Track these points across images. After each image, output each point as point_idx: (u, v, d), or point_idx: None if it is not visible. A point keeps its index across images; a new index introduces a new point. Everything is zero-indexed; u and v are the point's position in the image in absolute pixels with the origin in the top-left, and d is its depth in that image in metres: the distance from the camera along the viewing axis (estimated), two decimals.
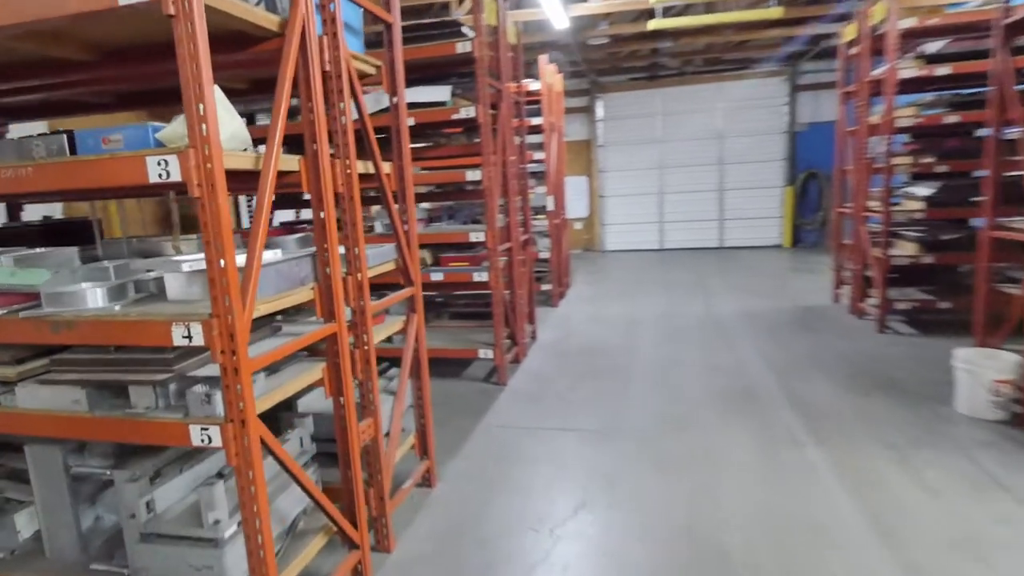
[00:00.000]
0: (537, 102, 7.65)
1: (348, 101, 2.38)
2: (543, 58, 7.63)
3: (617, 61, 11.81)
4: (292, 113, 2.23)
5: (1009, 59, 3.76)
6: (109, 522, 2.46)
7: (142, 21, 1.86)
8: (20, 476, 2.52)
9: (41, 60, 2.44)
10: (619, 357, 5.44)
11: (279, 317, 2.69)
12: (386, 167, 2.88)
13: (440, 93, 4.52)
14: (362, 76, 2.85)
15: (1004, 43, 3.76)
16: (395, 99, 2.97)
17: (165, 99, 3.05)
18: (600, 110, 13.43)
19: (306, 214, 6.48)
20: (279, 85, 1.96)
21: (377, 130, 3.08)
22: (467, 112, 4.40)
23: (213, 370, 1.91)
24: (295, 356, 2.37)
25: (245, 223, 6.35)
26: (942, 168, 5.64)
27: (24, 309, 2.07)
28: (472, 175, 4.60)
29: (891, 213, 5.70)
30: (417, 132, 5.38)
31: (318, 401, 3.03)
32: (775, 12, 8.06)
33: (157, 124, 1.76)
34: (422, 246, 5.08)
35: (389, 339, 3.11)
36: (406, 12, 8.02)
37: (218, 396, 1.78)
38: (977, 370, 3.66)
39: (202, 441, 1.79)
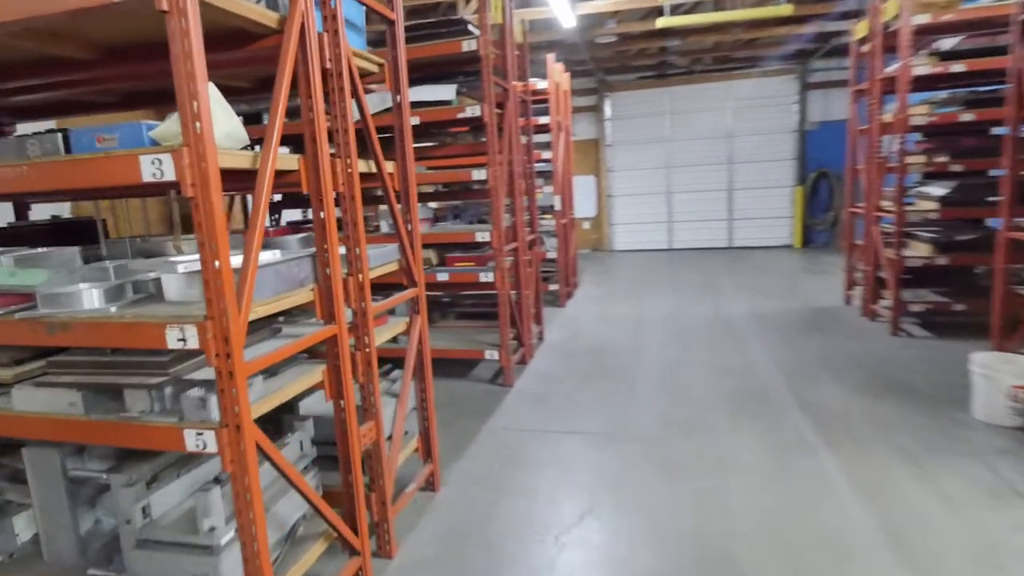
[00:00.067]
0: (544, 101, 7.59)
1: (349, 99, 2.34)
2: (550, 57, 7.57)
3: (625, 60, 11.73)
4: (298, 112, 2.20)
5: None
6: (109, 525, 2.43)
7: (138, 18, 1.83)
8: (21, 477, 2.49)
9: (44, 59, 2.42)
10: (627, 358, 5.38)
11: (281, 318, 2.66)
12: (389, 166, 2.84)
13: (445, 92, 4.47)
14: (365, 74, 2.81)
15: (1022, 38, 3.66)
16: (398, 98, 2.92)
17: (171, 98, 3.01)
18: (608, 109, 13.35)
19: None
20: (277, 82, 1.92)
21: (382, 129, 3.05)
22: (472, 111, 4.36)
23: (210, 373, 1.87)
24: (295, 358, 2.33)
25: None
26: (957, 167, 5.52)
27: (21, 310, 2.04)
28: (478, 174, 4.56)
29: (904, 213, 5.59)
30: (423, 131, 5.34)
31: (321, 403, 2.98)
32: (785, 9, 7.97)
33: (151, 122, 1.72)
34: (428, 246, 5.04)
35: (395, 339, 3.07)
36: (413, 12, 8.05)
37: (213, 400, 1.75)
38: (995, 375, 3.57)
39: (197, 446, 1.75)
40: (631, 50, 10.98)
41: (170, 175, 1.61)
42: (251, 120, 4.33)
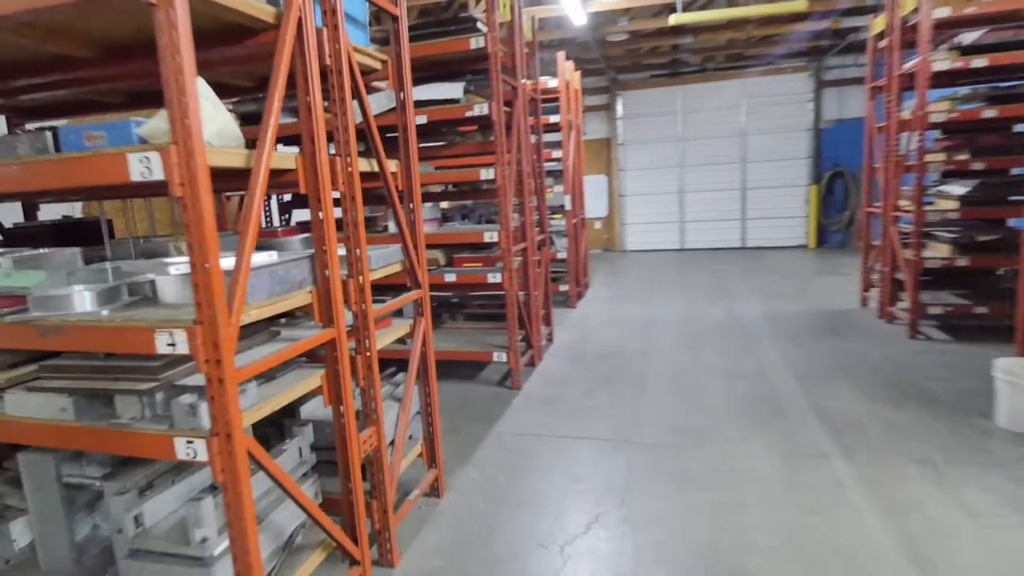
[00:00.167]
0: (555, 100, 7.51)
1: (349, 96, 2.27)
2: (561, 55, 7.48)
3: (637, 58, 11.61)
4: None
5: None
6: (106, 532, 2.38)
7: (132, 13, 1.78)
8: (21, 482, 2.46)
9: (46, 57, 2.39)
10: (637, 361, 5.29)
11: (283, 320, 2.60)
12: (392, 165, 2.77)
13: (452, 90, 4.41)
14: (368, 71, 2.75)
15: None
16: (401, 95, 2.85)
17: None
18: (620, 108, 13.23)
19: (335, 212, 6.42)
20: (273, 79, 1.86)
21: (390, 128, 2.99)
22: (480, 109, 4.28)
23: (202, 379, 1.81)
24: (294, 362, 2.27)
25: (271, 222, 6.30)
26: (978, 165, 5.35)
27: (14, 312, 2.00)
28: (486, 174, 4.48)
29: (923, 213, 5.45)
30: (431, 130, 5.28)
31: (322, 408, 2.93)
32: (799, 5, 7.83)
33: (139, 119, 1.66)
34: (436, 246, 4.98)
35: (403, 340, 3.00)
36: (425, 11, 7.98)
37: (204, 407, 1.69)
38: (1020, 381, 3.43)
39: (188, 455, 1.69)
40: (643, 48, 10.87)
41: (159, 174, 1.55)
42: (259, 120, 4.29)
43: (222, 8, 1.84)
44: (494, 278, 4.63)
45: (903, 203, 5.84)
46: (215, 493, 1.92)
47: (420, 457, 3.13)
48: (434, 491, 3.13)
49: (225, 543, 1.90)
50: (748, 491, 3.02)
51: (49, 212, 4.44)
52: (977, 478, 3.00)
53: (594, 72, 12.44)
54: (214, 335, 1.58)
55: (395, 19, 2.77)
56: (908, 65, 5.50)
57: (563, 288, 7.93)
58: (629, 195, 13.51)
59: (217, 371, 1.60)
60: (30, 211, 4.19)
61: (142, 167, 1.56)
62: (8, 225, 3.66)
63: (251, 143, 1.89)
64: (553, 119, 7.52)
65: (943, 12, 4.92)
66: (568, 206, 7.73)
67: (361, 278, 2.35)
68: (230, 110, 4.75)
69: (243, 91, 3.20)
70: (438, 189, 6.34)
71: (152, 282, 2.06)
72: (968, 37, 5.11)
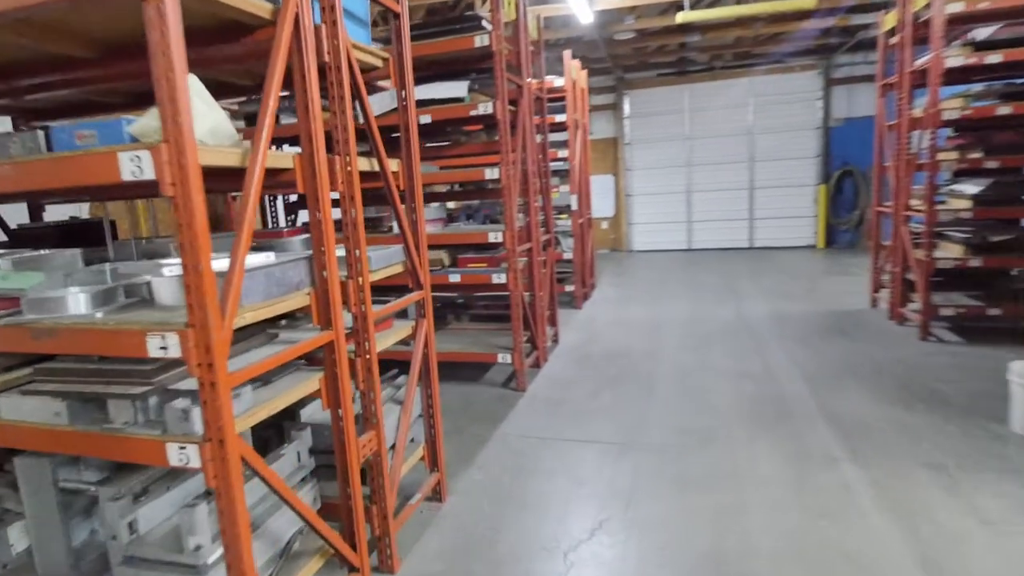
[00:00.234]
0: (561, 99, 7.45)
1: (348, 94, 2.23)
2: (567, 53, 7.43)
3: (644, 56, 11.54)
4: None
5: None
6: (104, 536, 2.35)
7: (126, 9, 1.74)
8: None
9: (48, 57, 2.36)
10: (644, 362, 5.23)
11: (283, 322, 2.56)
12: (393, 164, 2.73)
13: (456, 89, 4.36)
14: (369, 69, 2.71)
15: None
16: (403, 93, 2.81)
17: None
18: (627, 107, 13.15)
19: (336, 213, 6.40)
20: (268, 76, 1.82)
21: (393, 128, 2.95)
22: (485, 108, 4.23)
23: (196, 383, 1.77)
24: (291, 365, 2.23)
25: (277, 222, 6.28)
26: (992, 164, 5.25)
27: (9, 315, 1.97)
28: (491, 173, 4.44)
29: (935, 212, 5.35)
30: (436, 129, 5.24)
31: (322, 410, 2.89)
32: (807, 2, 7.74)
33: (131, 117, 1.63)
34: (440, 247, 4.94)
35: (405, 342, 2.95)
36: (431, 9, 7.94)
37: (196, 412, 1.65)
38: None
39: (180, 461, 1.65)
40: (650, 46, 10.79)
41: (150, 173, 1.51)
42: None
43: (217, 4, 1.80)
44: (499, 279, 4.59)
45: (914, 202, 5.74)
46: (210, 499, 1.89)
47: (422, 460, 3.09)
48: (436, 495, 3.09)
49: (220, 551, 1.86)
50: (754, 495, 2.96)
51: (58, 213, 4.42)
52: (991, 484, 2.92)
53: (601, 71, 12.37)
54: (206, 338, 1.55)
55: (397, 16, 2.73)
56: (920, 61, 5.41)
57: (569, 289, 7.88)
58: (636, 195, 13.43)
59: (209, 375, 1.56)
60: (35, 212, 4.18)
61: (133, 166, 1.52)
62: (13, 226, 3.64)
63: None
64: (559, 118, 7.46)
65: (956, 7, 4.83)
66: (574, 206, 7.68)
67: (361, 279, 2.31)
68: (236, 110, 4.73)
69: (248, 91, 3.17)
70: (443, 189, 6.30)
71: (149, 284, 2.03)
72: (982, 32, 5.02)
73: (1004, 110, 5.03)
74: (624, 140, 13.26)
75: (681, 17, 8.13)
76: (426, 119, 4.30)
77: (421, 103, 4.38)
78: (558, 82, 7.40)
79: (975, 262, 5.19)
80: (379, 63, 2.71)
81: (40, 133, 1.75)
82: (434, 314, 3.85)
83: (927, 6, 5.04)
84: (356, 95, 2.32)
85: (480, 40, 4.13)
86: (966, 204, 5.29)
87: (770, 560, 2.46)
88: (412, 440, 3.10)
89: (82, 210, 5.79)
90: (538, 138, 5.85)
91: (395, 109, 2.90)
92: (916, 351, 5.09)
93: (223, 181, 1.89)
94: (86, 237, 3.44)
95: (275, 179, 2.06)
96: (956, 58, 4.98)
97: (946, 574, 2.32)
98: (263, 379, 2.06)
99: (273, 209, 6.24)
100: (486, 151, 5.06)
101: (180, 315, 1.74)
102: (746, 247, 12.83)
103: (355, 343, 2.35)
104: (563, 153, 7.71)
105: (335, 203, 2.33)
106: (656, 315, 7.04)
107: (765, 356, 5.18)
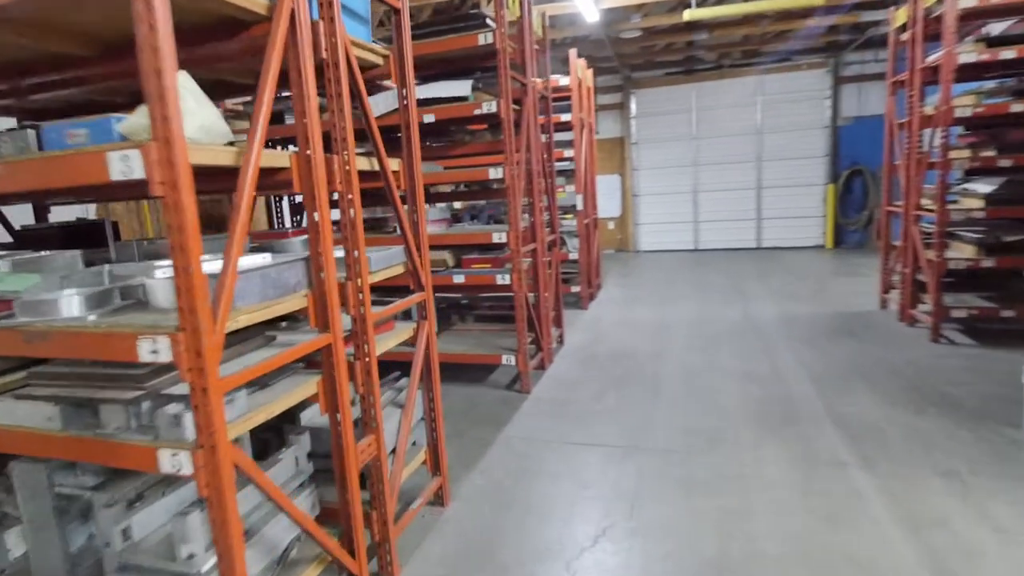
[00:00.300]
0: (567, 98, 7.39)
1: (347, 92, 2.19)
2: (572, 52, 7.37)
3: (651, 55, 11.46)
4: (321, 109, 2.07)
5: None
6: (100, 543, 2.32)
7: (119, 4, 1.71)
8: None
9: (50, 57, 2.33)
10: (649, 364, 5.16)
11: (283, 324, 2.53)
12: (394, 164, 2.69)
13: (460, 88, 4.32)
14: (369, 67, 2.67)
15: None
16: (404, 92, 2.76)
17: None
18: (633, 106, 13.07)
19: (336, 214, 6.38)
20: (263, 73, 1.78)
21: (396, 127, 2.90)
22: (489, 107, 4.19)
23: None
24: (289, 368, 2.19)
25: (283, 223, 6.26)
26: (1005, 162, 5.15)
27: (2, 318, 1.94)
28: (495, 173, 4.39)
29: (947, 212, 5.26)
30: (440, 128, 5.20)
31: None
32: None
33: (121, 115, 1.59)
34: (444, 247, 4.89)
35: (408, 343, 2.90)
36: (437, 8, 7.90)
37: (188, 418, 1.61)
38: None
39: (173, 468, 1.61)
40: (657, 45, 10.71)
41: (139, 172, 1.47)
42: (280, 120, 4.24)
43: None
44: (503, 279, 4.54)
45: (925, 202, 5.65)
46: (203, 507, 1.85)
47: (424, 464, 3.05)
48: (438, 499, 3.05)
49: (213, 559, 1.82)
50: (761, 500, 2.90)
51: (65, 214, 4.40)
52: (1005, 491, 2.85)
53: (607, 70, 12.30)
54: (197, 342, 1.51)
55: (396, 12, 2.69)
56: (932, 58, 5.32)
57: (575, 289, 7.82)
58: (643, 195, 13.35)
59: (201, 380, 1.52)
60: (40, 213, 4.17)
61: (122, 165, 1.48)
62: (17, 227, 3.62)
63: (269, 144, 1.81)
64: (565, 118, 7.41)
65: (970, 2, 4.74)
66: (580, 206, 7.62)
67: (360, 281, 2.27)
68: (240, 111, 4.70)
69: (250, 90, 3.13)
70: (447, 189, 6.25)
71: (144, 286, 1.99)
72: (996, 28, 4.93)
73: (1018, 107, 4.93)
74: (631, 139, 13.18)
75: (688, 15, 8.06)
76: (430, 118, 4.27)
77: (425, 102, 4.34)
78: (563, 81, 7.35)
79: (988, 263, 5.10)
80: (379, 60, 2.67)
81: (31, 132, 1.71)
82: (438, 315, 3.80)
83: (939, 1, 4.96)
84: (355, 93, 2.28)
85: (484, 38, 4.08)
86: (978, 203, 5.20)
87: (776, 566, 2.40)
88: (414, 444, 3.06)
89: (89, 211, 5.79)
90: (543, 137, 5.80)
91: (397, 108, 2.85)
92: (927, 353, 5.00)
93: (218, 181, 1.85)
94: (90, 238, 3.42)
95: (271, 179, 2.02)
96: (969, 54, 4.89)
97: None
98: (260, 383, 2.02)
99: (279, 209, 6.22)
100: (490, 151, 5.01)
101: (173, 318, 1.70)
102: (753, 247, 12.72)
103: (354, 346, 2.31)
104: (569, 153, 7.65)
105: (335, 203, 2.30)
106: (662, 316, 6.97)
107: (772, 357, 5.11)
